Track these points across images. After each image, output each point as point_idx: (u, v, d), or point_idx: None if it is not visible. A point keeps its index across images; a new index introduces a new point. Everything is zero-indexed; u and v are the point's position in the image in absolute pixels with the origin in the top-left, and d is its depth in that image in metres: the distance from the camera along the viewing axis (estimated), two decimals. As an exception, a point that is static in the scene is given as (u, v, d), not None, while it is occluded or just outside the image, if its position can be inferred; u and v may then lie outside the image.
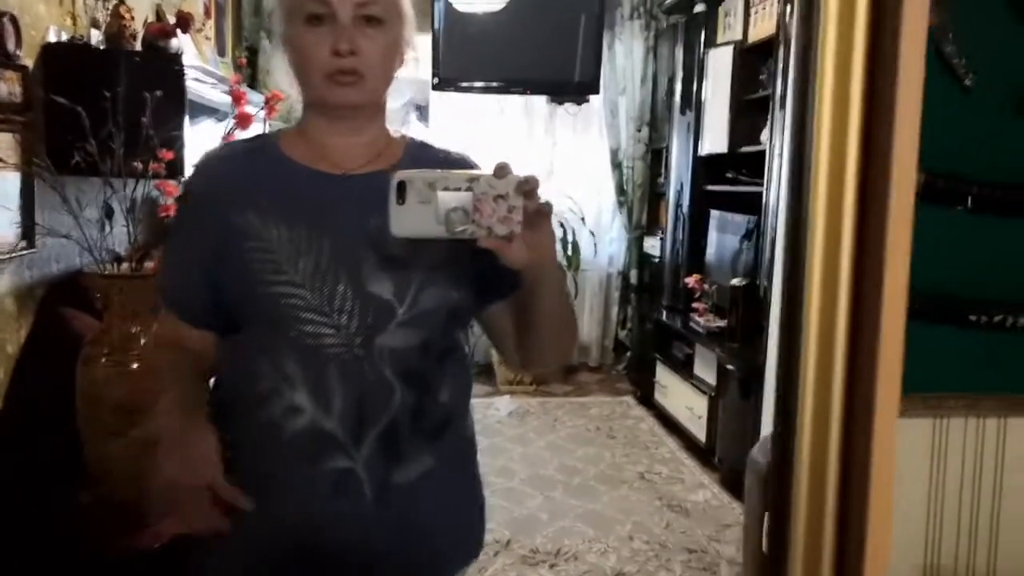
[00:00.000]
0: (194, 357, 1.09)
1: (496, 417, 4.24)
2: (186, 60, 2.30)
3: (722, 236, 3.97)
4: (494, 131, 5.09)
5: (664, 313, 4.45)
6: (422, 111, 5.28)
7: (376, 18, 0.99)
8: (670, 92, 4.61)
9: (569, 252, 4.98)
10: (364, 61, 0.98)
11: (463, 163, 1.10)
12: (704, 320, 3.86)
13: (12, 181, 1.96)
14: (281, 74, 4.47)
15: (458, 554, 1.13)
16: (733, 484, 3.31)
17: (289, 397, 0.98)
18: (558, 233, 4.89)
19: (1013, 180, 1.20)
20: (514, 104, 5.12)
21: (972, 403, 1.25)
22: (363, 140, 1.05)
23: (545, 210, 0.90)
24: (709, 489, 3.37)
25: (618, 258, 5.33)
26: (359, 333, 0.98)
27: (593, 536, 2.92)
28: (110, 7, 2.31)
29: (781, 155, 2.95)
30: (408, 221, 0.89)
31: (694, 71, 4.25)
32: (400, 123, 5.20)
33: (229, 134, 2.06)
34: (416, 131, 5.26)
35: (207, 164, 1.09)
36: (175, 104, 2.12)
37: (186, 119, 2.20)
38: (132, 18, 2.29)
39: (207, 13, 3.82)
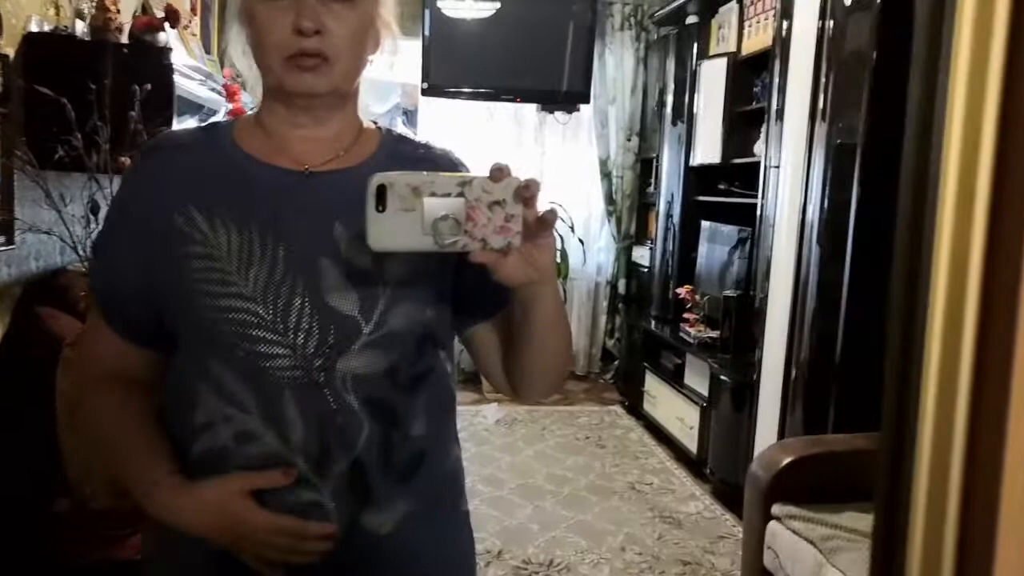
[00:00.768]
0: (139, 390, 0.93)
1: (484, 425, 4.17)
2: (173, 56, 2.24)
3: (713, 247, 3.95)
4: (483, 138, 5.05)
5: (653, 323, 4.42)
6: (410, 116, 5.23)
7: None
8: (661, 103, 4.60)
9: (559, 260, 4.95)
10: (330, 42, 0.84)
11: (447, 159, 0.98)
12: (695, 331, 3.83)
13: (-9, 175, 1.89)
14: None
15: None
16: (725, 496, 3.27)
17: (240, 422, 0.84)
18: (547, 241, 4.86)
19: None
20: (504, 112, 5.09)
21: None
22: (328, 133, 0.91)
23: (548, 218, 0.78)
24: (701, 501, 3.33)
25: (607, 267, 5.30)
26: (318, 354, 0.84)
27: (585, 547, 2.86)
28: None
29: (778, 167, 2.93)
30: (389, 232, 0.75)
31: (686, 82, 4.24)
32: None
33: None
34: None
35: (151, 152, 0.95)
36: (163, 99, 2.06)
37: (175, 114, 2.14)
38: (118, 11, 2.22)
39: (193, 10, 3.75)
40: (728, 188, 3.89)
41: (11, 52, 1.95)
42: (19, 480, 1.79)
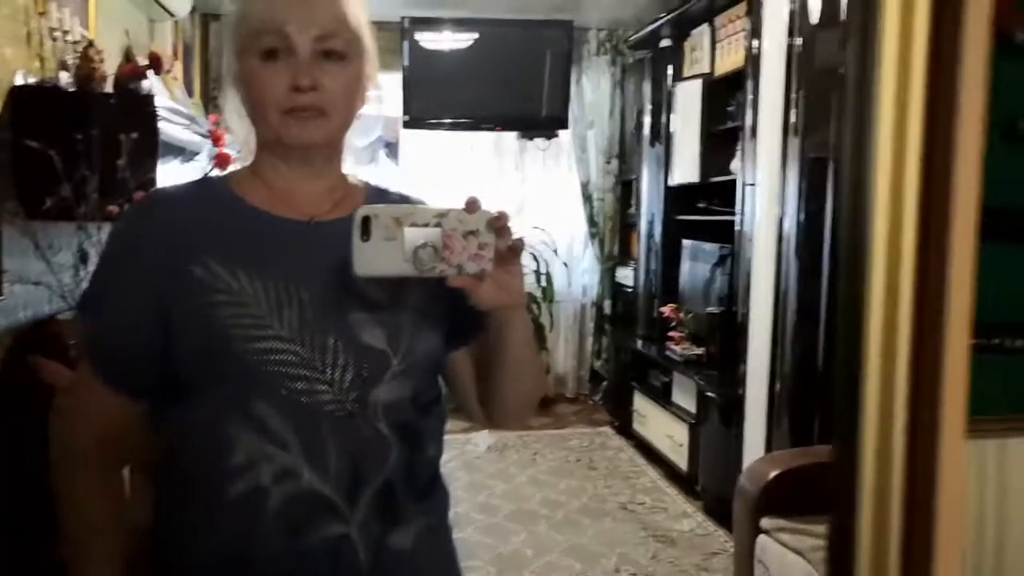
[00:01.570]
0: (116, 470, 0.98)
1: (475, 453, 4.19)
2: (157, 101, 2.28)
3: (695, 265, 4.01)
4: (465, 168, 5.11)
5: (639, 342, 4.47)
6: (392, 148, 5.29)
7: (337, 52, 0.92)
8: (638, 125, 4.69)
9: (543, 284, 4.99)
10: (325, 97, 0.91)
11: (414, 203, 1.03)
12: (681, 348, 3.88)
13: (-20, 227, 1.91)
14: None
15: None
16: (717, 512, 3.30)
17: (280, 461, 0.88)
18: (531, 266, 4.91)
19: (1008, 205, 1.22)
20: (484, 141, 5.16)
21: None
22: (324, 185, 0.98)
23: (517, 247, 0.86)
24: (693, 518, 3.36)
25: (591, 289, 5.35)
26: (353, 387, 0.90)
27: (580, 570, 2.88)
28: (79, 49, 2.28)
29: (754, 184, 3.00)
30: (373, 259, 0.83)
31: (662, 104, 4.33)
32: (369, 160, 5.21)
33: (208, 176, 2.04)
34: (386, 168, 5.27)
35: (150, 207, 0.99)
36: (149, 145, 2.10)
37: (158, 160, 2.18)
38: (102, 60, 2.26)
39: (175, 54, 3.81)
40: (707, 206, 3.96)
41: (-3, 106, 1.99)
42: (15, 528, 1.80)
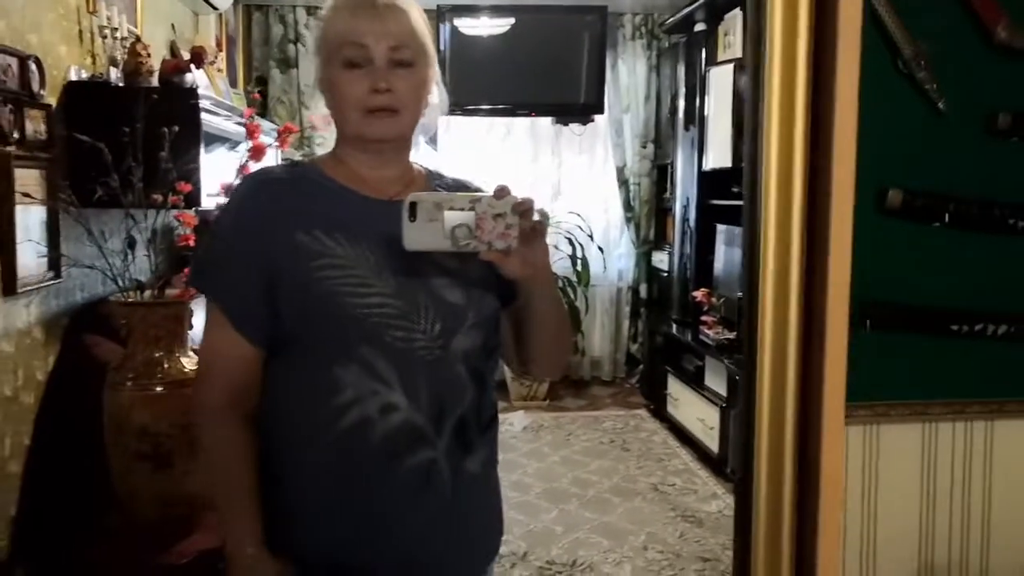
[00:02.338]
0: (250, 424, 1.12)
1: (511, 432, 4.29)
2: (200, 92, 2.39)
3: (729, 250, 4.02)
4: (501, 153, 5.17)
5: (674, 326, 4.50)
6: (431, 135, 5.38)
7: (407, 61, 1.09)
8: (673, 109, 4.69)
9: (579, 268, 5.04)
10: (398, 98, 1.09)
11: (468, 186, 1.21)
12: (713, 332, 3.90)
13: (38, 215, 2.05)
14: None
15: (495, 540, 1.25)
16: (745, 494, 3.34)
17: (384, 396, 1.06)
18: (567, 250, 4.97)
19: (987, 196, 1.25)
20: (520, 126, 5.21)
21: (960, 408, 1.30)
22: (395, 171, 1.16)
23: (539, 228, 1.01)
24: (723, 499, 3.40)
25: (627, 273, 5.38)
26: (440, 336, 1.09)
27: (608, 547, 2.96)
28: (127, 45, 2.41)
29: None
30: (418, 236, 1.00)
31: (696, 88, 4.32)
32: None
33: (244, 166, 2.14)
34: (426, 155, 5.36)
35: (257, 186, 1.16)
36: (191, 138, 2.21)
37: (201, 150, 2.29)
38: (148, 55, 2.38)
39: (219, 45, 3.94)
40: (741, 191, 3.95)
41: (53, 102, 2.12)
42: (72, 496, 1.94)
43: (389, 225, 1.05)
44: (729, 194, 4.05)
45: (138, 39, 2.46)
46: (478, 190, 1.19)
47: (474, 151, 5.07)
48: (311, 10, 4.78)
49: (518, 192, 1.01)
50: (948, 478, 1.32)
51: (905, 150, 1.24)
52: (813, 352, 0.86)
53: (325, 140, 4.49)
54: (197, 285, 1.19)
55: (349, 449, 1.07)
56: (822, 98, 0.84)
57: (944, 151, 1.25)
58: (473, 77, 4.79)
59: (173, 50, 3.11)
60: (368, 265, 1.07)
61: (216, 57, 3.56)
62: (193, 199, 2.15)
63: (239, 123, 2.68)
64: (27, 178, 1.97)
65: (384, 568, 1.11)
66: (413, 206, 1.00)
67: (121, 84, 2.34)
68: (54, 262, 2.12)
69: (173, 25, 3.21)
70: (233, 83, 4.13)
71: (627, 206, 5.25)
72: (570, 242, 5.01)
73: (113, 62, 2.42)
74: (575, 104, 4.96)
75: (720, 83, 4.04)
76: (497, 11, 4.83)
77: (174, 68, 2.40)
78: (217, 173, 2.34)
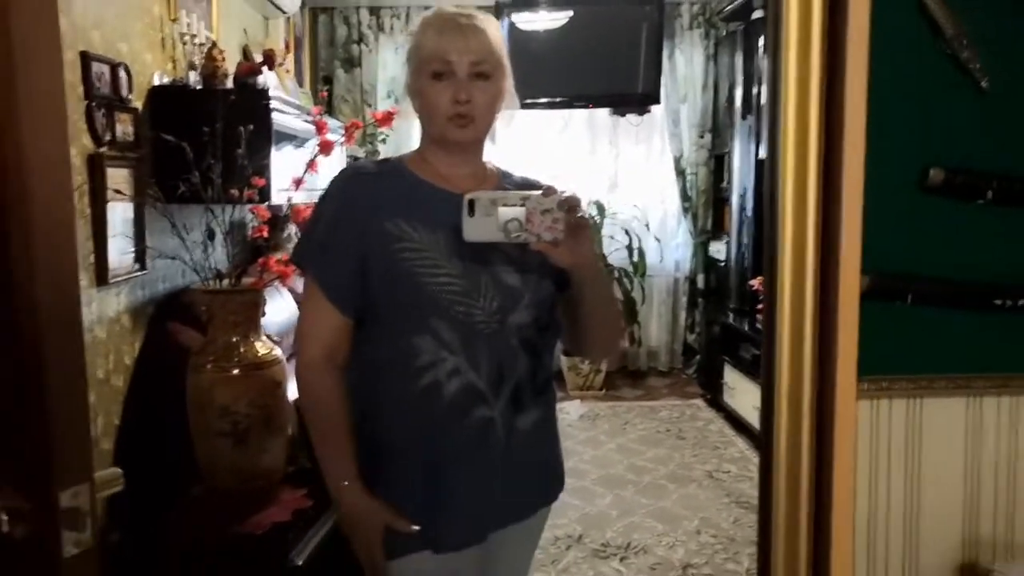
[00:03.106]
0: (342, 376, 1.31)
1: (567, 421, 4.36)
2: (271, 93, 2.53)
3: (786, 238, 4.00)
4: (559, 145, 5.24)
5: (731, 316, 4.50)
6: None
7: (485, 74, 1.25)
8: (731, 98, 4.68)
9: (635, 259, 5.07)
10: (476, 108, 1.24)
11: (533, 184, 1.33)
12: (770, 321, 3.90)
13: (125, 211, 2.22)
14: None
15: (551, 490, 1.42)
16: (803, 482, 3.34)
17: (452, 362, 1.24)
18: (624, 240, 5.01)
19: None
20: (577, 117, 5.26)
21: (1003, 383, 1.33)
22: (471, 170, 1.32)
23: (583, 222, 1.15)
24: (779, 487, 3.41)
25: (684, 263, 5.39)
26: (498, 312, 1.26)
27: (662, 531, 3.01)
28: (204, 50, 2.56)
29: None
30: (476, 229, 1.14)
31: (754, 77, 4.31)
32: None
33: (313, 161, 2.26)
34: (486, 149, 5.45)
35: (353, 178, 1.33)
36: (263, 136, 2.35)
37: (272, 147, 2.43)
38: (224, 59, 2.53)
39: (287, 47, 4.11)
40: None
41: (139, 105, 2.28)
42: (161, 469, 2.10)
43: (459, 216, 1.19)
44: (787, 183, 4.03)
45: (214, 44, 2.62)
46: (540, 187, 1.31)
47: (532, 144, 5.14)
48: (374, 11, 4.93)
49: (567, 189, 1.15)
50: (993, 451, 1.35)
51: (948, 129, 1.27)
52: (827, 326, 0.92)
53: (388, 136, 4.63)
54: (299, 263, 1.36)
55: (424, 405, 1.26)
56: (836, 82, 0.89)
57: (988, 129, 1.27)
58: (531, 71, 4.83)
59: (246, 53, 3.28)
60: (439, 249, 1.24)
61: (284, 58, 3.73)
62: (265, 194, 2.29)
63: (307, 121, 2.82)
64: (117, 177, 2.13)
65: (449, 504, 1.28)
66: (472, 203, 1.13)
67: (199, 87, 2.50)
68: (140, 255, 2.29)
69: (245, 30, 3.37)
70: (300, 82, 4.31)
71: (684, 196, 5.25)
72: (627, 233, 5.05)
73: (192, 66, 2.58)
74: (632, 95, 4.98)
75: (777, 71, 4.01)
76: (555, 4, 4.89)
77: (248, 71, 2.55)
78: (285, 169, 2.48)
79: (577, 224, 1.14)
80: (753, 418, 3.92)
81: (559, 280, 1.30)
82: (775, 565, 1.26)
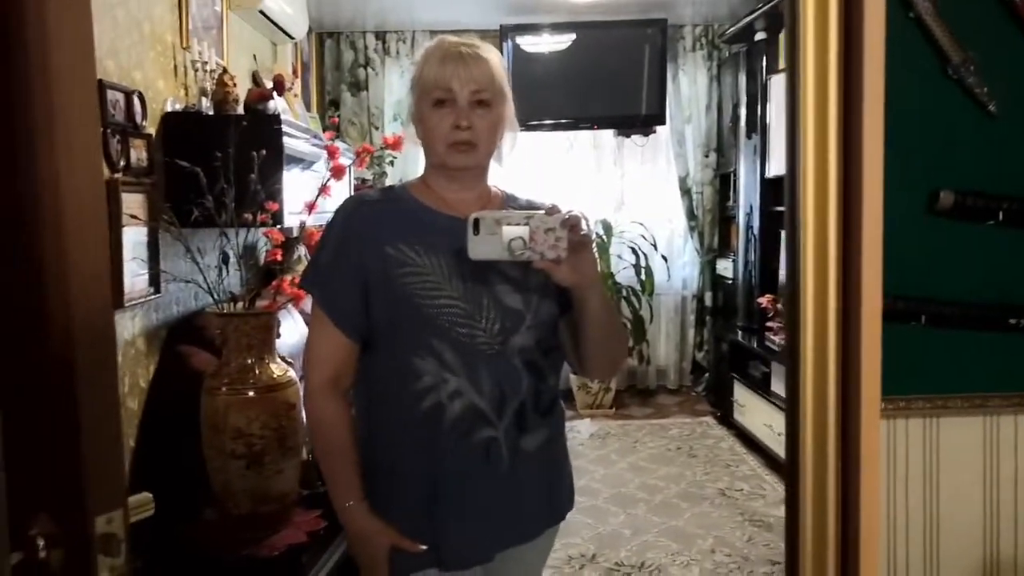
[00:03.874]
0: (347, 401, 1.33)
1: (578, 440, 4.35)
2: (281, 117, 2.56)
3: (793, 255, 4.01)
4: (565, 166, 5.27)
5: (740, 333, 4.50)
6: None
7: (486, 101, 1.27)
8: (735, 118, 4.71)
9: (643, 277, 5.08)
10: (477, 134, 1.27)
11: (538, 206, 1.36)
12: (779, 339, 3.90)
13: (139, 235, 2.24)
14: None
15: (559, 510, 1.42)
16: (815, 500, 3.32)
17: (454, 384, 1.26)
18: (631, 259, 5.02)
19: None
20: (582, 138, 5.30)
21: (1019, 401, 1.33)
22: (474, 194, 1.34)
23: (585, 240, 1.17)
24: (791, 506, 3.39)
25: (692, 281, 5.40)
26: (499, 334, 1.27)
27: (676, 550, 3.00)
28: (215, 77, 2.60)
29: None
30: (481, 247, 1.16)
31: (757, 97, 4.34)
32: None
33: (326, 185, 2.29)
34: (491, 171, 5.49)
35: (359, 207, 1.35)
36: (275, 161, 2.37)
37: (283, 171, 2.45)
38: (235, 85, 2.57)
39: (295, 72, 4.16)
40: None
41: (152, 131, 2.31)
42: (175, 491, 2.10)
43: (462, 239, 1.20)
44: (793, 200, 4.05)
45: (225, 70, 2.66)
46: (543, 207, 1.33)
47: (537, 165, 5.17)
48: (380, 35, 4.99)
49: (568, 209, 1.17)
50: (1011, 470, 1.35)
51: (957, 153, 1.29)
52: (850, 348, 0.94)
53: (396, 159, 4.66)
54: (307, 289, 1.38)
55: (428, 427, 1.28)
56: (853, 104, 0.91)
57: (996, 153, 1.29)
58: (535, 93, 4.89)
59: (255, 78, 3.32)
60: (441, 272, 1.26)
61: (292, 83, 3.77)
62: (278, 217, 2.31)
63: (315, 145, 2.85)
64: (132, 202, 2.15)
65: (453, 524, 1.29)
66: (476, 222, 1.16)
67: (211, 113, 2.53)
68: (154, 278, 2.30)
69: (255, 55, 3.42)
70: (308, 106, 4.35)
71: (690, 215, 5.27)
72: (634, 252, 5.06)
73: (203, 92, 2.61)
74: (637, 116, 5.02)
75: (782, 90, 4.05)
76: (558, 28, 4.94)
77: (259, 97, 2.58)
78: (295, 192, 2.50)
79: (580, 243, 1.16)
80: (764, 436, 3.91)
81: (561, 302, 1.31)
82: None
